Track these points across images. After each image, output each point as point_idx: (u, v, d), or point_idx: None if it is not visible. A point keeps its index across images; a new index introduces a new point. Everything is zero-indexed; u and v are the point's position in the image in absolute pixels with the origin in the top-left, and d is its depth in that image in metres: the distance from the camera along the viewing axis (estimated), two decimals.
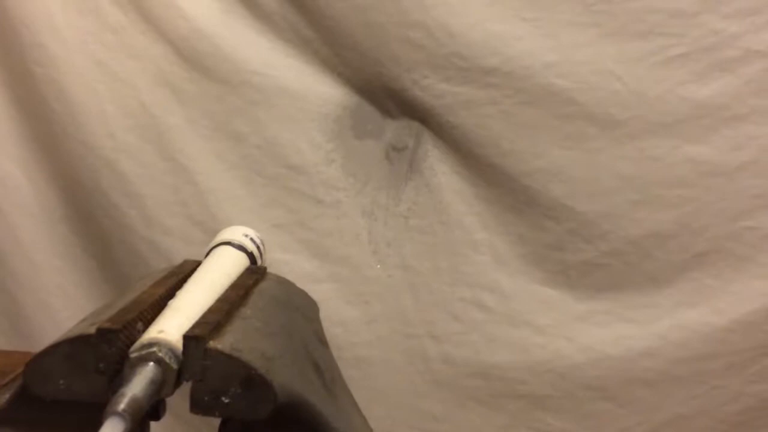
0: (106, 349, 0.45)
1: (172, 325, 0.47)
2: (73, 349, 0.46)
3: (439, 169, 0.87)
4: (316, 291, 0.86)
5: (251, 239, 0.67)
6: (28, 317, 0.88)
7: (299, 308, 0.63)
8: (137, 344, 0.46)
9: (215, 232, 0.87)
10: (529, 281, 0.87)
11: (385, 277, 0.88)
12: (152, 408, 0.45)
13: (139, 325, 0.49)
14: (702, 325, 0.85)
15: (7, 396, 0.48)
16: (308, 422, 0.50)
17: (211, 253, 0.64)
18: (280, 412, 0.47)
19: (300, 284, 0.88)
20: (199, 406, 0.46)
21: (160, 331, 0.46)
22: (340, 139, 0.88)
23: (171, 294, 0.54)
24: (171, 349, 0.45)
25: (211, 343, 0.46)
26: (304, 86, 0.86)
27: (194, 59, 0.86)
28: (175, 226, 0.88)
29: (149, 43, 0.86)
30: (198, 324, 0.48)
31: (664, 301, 0.86)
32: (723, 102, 0.83)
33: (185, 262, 0.63)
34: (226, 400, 0.46)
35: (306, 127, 0.87)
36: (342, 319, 0.89)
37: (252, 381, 0.45)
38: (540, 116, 0.84)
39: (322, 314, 0.87)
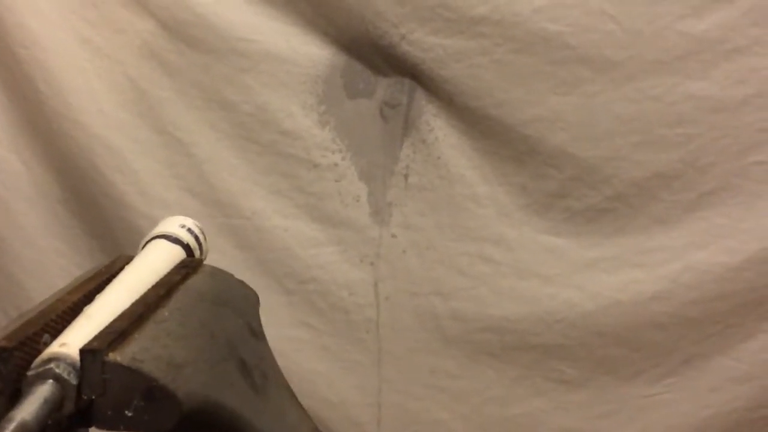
0: (2, 368, 0.53)
1: (76, 337, 0.56)
2: None
3: (435, 124, 1.12)
4: (318, 255, 1.14)
5: (188, 229, 0.80)
6: (35, 301, 1.15)
7: (230, 301, 0.75)
8: (37, 360, 0.54)
9: (214, 203, 1.15)
10: (534, 231, 1.12)
11: (387, 236, 1.15)
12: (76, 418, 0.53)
13: (45, 337, 0.57)
14: (713, 265, 1.10)
15: None
16: (226, 426, 0.61)
17: (143, 249, 0.76)
18: (194, 420, 0.56)
19: (302, 249, 1.15)
20: (102, 421, 0.54)
21: (62, 344, 0.54)
22: (331, 100, 1.13)
23: (90, 298, 0.63)
24: (71, 364, 0.53)
25: (110, 355, 0.54)
26: (291, 49, 1.11)
27: (178, 30, 1.11)
28: (173, 200, 1.14)
29: (132, 17, 1.11)
30: (100, 334, 0.57)
31: (673, 243, 1.11)
32: (722, 35, 1.06)
33: (118, 259, 0.74)
34: (130, 414, 0.54)
35: (296, 90, 1.12)
36: (347, 281, 1.15)
37: (153, 392, 0.54)
38: (533, 63, 1.07)
39: (327, 278, 1.14)
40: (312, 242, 1.15)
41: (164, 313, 0.63)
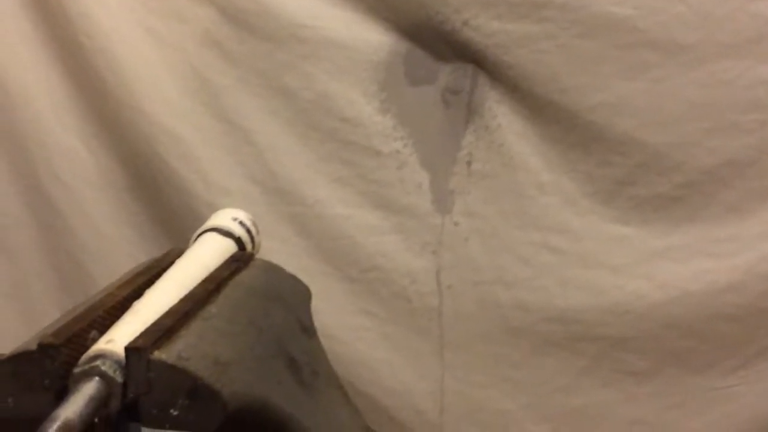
0: (50, 364, 0.56)
1: (123, 334, 0.59)
2: (17, 366, 0.57)
3: (499, 110, 1.18)
4: (380, 243, 1.21)
5: (240, 222, 0.85)
6: (102, 288, 1.26)
7: (281, 297, 0.79)
8: (84, 357, 0.57)
9: (276, 191, 1.23)
10: (601, 220, 1.17)
11: (450, 224, 1.22)
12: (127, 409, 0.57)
13: (93, 333, 0.60)
14: None
15: None
16: (273, 425, 0.63)
17: (194, 242, 0.81)
18: (240, 419, 0.59)
19: (364, 237, 1.23)
20: (147, 419, 0.57)
21: (109, 341, 0.58)
22: (393, 87, 1.20)
23: (140, 293, 0.67)
24: (117, 361, 0.56)
25: (156, 353, 0.56)
26: (352, 35, 1.18)
27: (239, 17, 1.19)
28: (235, 187, 1.23)
29: (194, 5, 1.19)
30: (146, 331, 0.59)
31: (746, 232, 1.15)
32: None
33: (170, 252, 0.79)
34: (175, 413, 0.56)
35: (357, 77, 1.19)
36: (409, 269, 1.22)
37: (198, 391, 0.56)
38: (599, 47, 1.12)
39: (390, 266, 1.22)
40: (374, 230, 1.22)
41: (212, 309, 0.67)
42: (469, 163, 1.20)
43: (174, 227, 1.25)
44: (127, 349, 0.57)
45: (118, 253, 1.26)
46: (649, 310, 1.17)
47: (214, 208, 1.21)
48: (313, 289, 1.22)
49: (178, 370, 0.57)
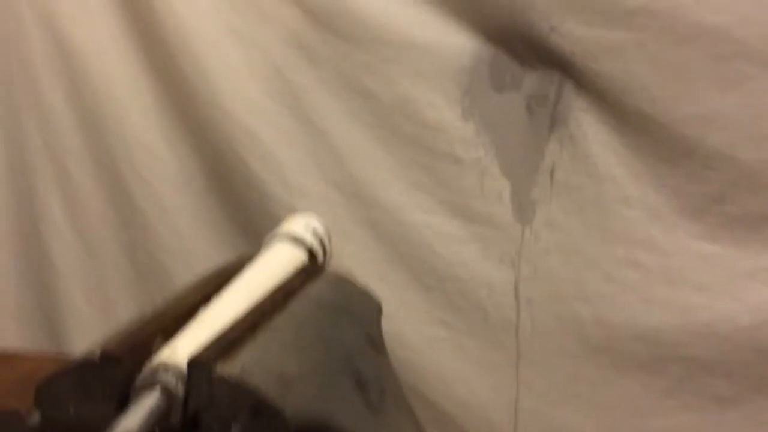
0: (111, 374, 0.57)
1: (187, 344, 0.59)
2: (79, 375, 0.58)
3: (584, 119, 1.19)
4: (459, 252, 1.24)
5: (313, 231, 0.86)
6: (180, 287, 1.32)
7: (351, 311, 0.79)
8: (146, 368, 0.58)
9: (355, 195, 1.27)
10: (689, 237, 1.17)
11: (530, 236, 1.23)
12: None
13: (158, 341, 0.61)
14: None
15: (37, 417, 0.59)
16: None
17: (265, 249, 0.82)
18: None
19: (443, 246, 1.25)
20: None
21: (172, 352, 0.58)
22: (476, 92, 1.22)
23: (208, 300, 0.68)
24: (179, 374, 0.57)
25: (218, 367, 0.57)
26: (436, 39, 1.21)
27: (324, 18, 1.23)
28: (313, 190, 1.27)
29: (279, 5, 1.24)
30: (210, 344, 0.60)
31: None
32: None
33: (240, 258, 0.80)
34: (236, 429, 0.56)
35: (440, 81, 1.21)
36: (488, 281, 1.24)
37: (261, 408, 0.56)
38: (693, 57, 1.12)
39: (467, 276, 1.24)
40: (453, 239, 1.25)
41: (279, 321, 0.67)
42: (552, 173, 1.21)
43: (251, 228, 1.30)
44: (190, 362, 0.58)
45: (195, 251, 1.31)
46: (737, 332, 1.16)
47: (292, 210, 1.26)
48: (390, 297, 1.26)
49: (241, 385, 0.57)
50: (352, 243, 1.26)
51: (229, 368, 0.58)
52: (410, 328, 1.25)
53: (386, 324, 1.24)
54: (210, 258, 1.30)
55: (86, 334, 1.34)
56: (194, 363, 0.58)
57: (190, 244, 1.32)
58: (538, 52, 1.18)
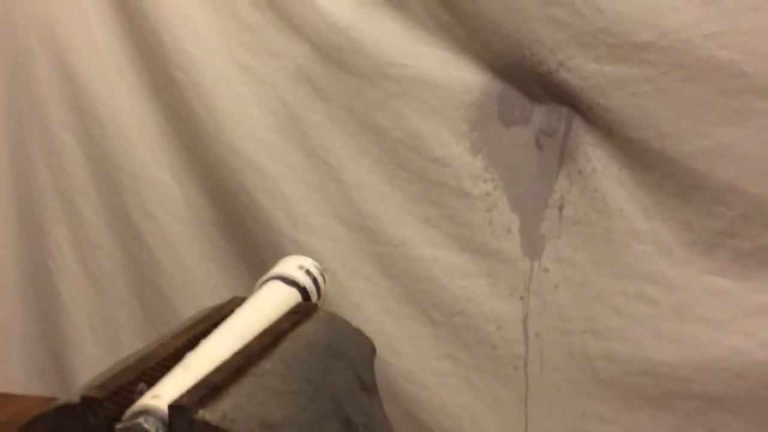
0: (92, 419, 0.57)
1: (170, 389, 0.59)
2: (59, 419, 0.58)
3: (594, 154, 1.18)
4: (467, 287, 1.22)
5: (306, 271, 0.85)
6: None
7: (342, 352, 0.77)
8: (128, 412, 0.57)
9: (362, 229, 1.26)
10: (699, 271, 1.16)
11: (539, 270, 1.22)
12: None
13: (141, 386, 0.61)
14: None
15: None
16: None
17: (257, 291, 0.81)
18: None
19: (450, 280, 1.24)
20: None
21: (154, 397, 0.58)
22: (485, 127, 1.21)
23: (195, 343, 0.68)
24: (161, 419, 0.57)
25: (200, 413, 0.56)
26: (444, 74, 1.20)
27: (332, 54, 1.22)
28: (320, 225, 1.26)
29: (287, 41, 1.23)
30: (192, 388, 0.59)
31: None
32: None
33: (231, 301, 0.80)
34: None
35: (449, 116, 1.20)
36: (496, 315, 1.23)
37: None
38: (703, 92, 1.11)
39: (475, 311, 1.22)
40: (461, 273, 1.23)
41: (266, 365, 0.66)
42: (560, 208, 1.20)
43: (258, 263, 1.28)
44: (171, 407, 0.57)
45: (201, 287, 1.30)
46: (748, 368, 1.15)
47: (298, 246, 1.26)
48: (397, 332, 1.25)
49: (221, 431, 0.57)
50: (359, 278, 1.25)
51: (211, 414, 0.57)
52: (417, 363, 1.24)
53: (393, 359, 1.24)
54: (218, 293, 1.28)
55: (93, 371, 1.32)
56: (175, 408, 0.57)
57: (198, 280, 1.30)
58: (547, 87, 1.18)
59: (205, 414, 0.57)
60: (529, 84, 1.19)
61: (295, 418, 0.64)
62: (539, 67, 1.16)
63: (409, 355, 1.24)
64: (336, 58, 1.22)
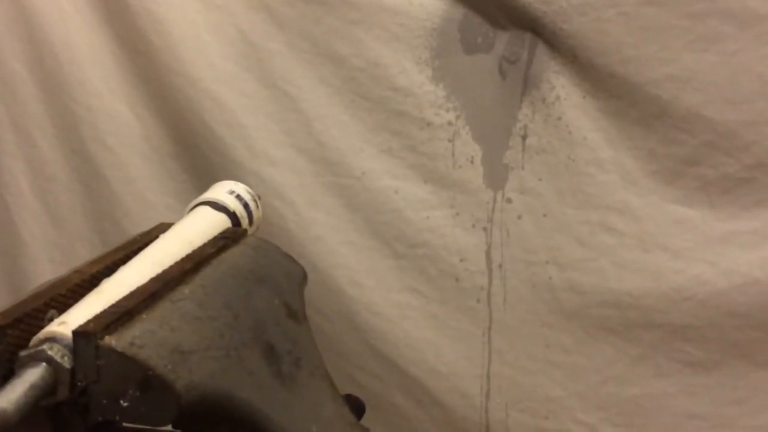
0: None
1: (80, 315, 0.56)
2: None
3: (557, 82, 1.13)
4: (429, 218, 1.19)
5: (237, 196, 0.81)
6: None
7: (269, 278, 0.74)
8: (34, 340, 0.55)
9: (322, 161, 1.21)
10: (663, 200, 1.12)
11: (502, 201, 1.18)
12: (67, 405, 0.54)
13: (51, 313, 0.58)
14: None
15: None
16: (238, 419, 0.60)
17: (183, 217, 0.78)
18: (200, 411, 0.56)
19: (413, 211, 1.20)
20: (97, 410, 0.54)
21: (61, 323, 0.55)
22: (447, 55, 1.16)
23: (113, 270, 0.65)
24: (67, 346, 0.54)
25: (106, 339, 0.53)
26: (406, 0, 1.15)
27: None
28: (281, 157, 1.22)
29: None
30: (100, 314, 0.56)
31: None
32: None
33: (157, 227, 0.76)
34: (125, 404, 0.53)
35: (410, 44, 1.15)
36: (459, 247, 1.19)
37: (150, 382, 0.53)
38: (666, 16, 1.06)
39: (438, 242, 1.19)
40: (423, 204, 1.20)
41: (184, 290, 0.63)
42: (524, 137, 1.16)
43: None
44: (75, 333, 0.54)
45: (161, 220, 1.25)
46: (711, 297, 1.12)
47: (258, 178, 1.22)
48: (359, 264, 1.22)
49: (128, 358, 0.54)
50: (321, 210, 1.21)
51: (117, 340, 0.54)
52: (380, 295, 1.21)
53: (355, 291, 1.21)
54: None
55: None
56: (80, 334, 0.54)
57: (158, 214, 1.26)
58: (510, 12, 1.13)
59: (112, 340, 0.54)
60: (492, 9, 1.14)
61: (211, 344, 0.60)
62: None
63: (371, 287, 1.21)
64: None
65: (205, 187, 1.25)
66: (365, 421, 1.18)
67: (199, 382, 0.56)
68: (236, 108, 1.21)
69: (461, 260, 1.19)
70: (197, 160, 1.24)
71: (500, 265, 1.19)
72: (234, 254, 0.73)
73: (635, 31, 1.08)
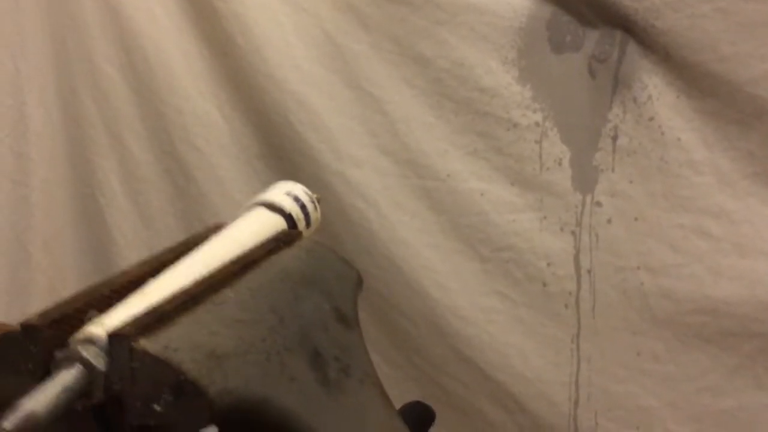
0: (32, 348, 0.54)
1: (119, 317, 0.55)
2: (2, 348, 0.56)
3: (649, 81, 1.11)
4: (516, 221, 1.18)
5: (294, 197, 0.79)
6: None
7: (320, 281, 0.72)
8: (71, 340, 0.54)
9: (407, 163, 1.22)
10: (761, 203, 1.09)
11: (591, 204, 1.17)
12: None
13: (91, 313, 0.57)
14: None
15: None
16: (275, 427, 0.58)
17: (238, 218, 0.77)
18: (237, 418, 0.55)
19: (499, 214, 1.20)
20: (132, 413, 0.53)
21: (100, 324, 0.54)
22: (534, 54, 1.15)
23: (160, 271, 0.63)
24: (104, 347, 0.53)
25: (141, 342, 0.53)
26: None
27: None
28: (365, 158, 1.23)
29: None
30: (140, 316, 0.56)
31: None
32: None
33: (211, 227, 0.74)
34: (159, 408, 0.53)
35: (496, 44, 1.15)
36: (546, 250, 1.19)
37: (183, 387, 0.52)
38: (765, 11, 1.04)
39: (525, 246, 1.18)
40: (509, 207, 1.19)
41: (229, 293, 0.62)
42: (614, 138, 1.15)
43: None
44: (110, 335, 0.54)
45: None
46: None
47: (343, 179, 1.23)
48: (444, 268, 1.22)
49: (161, 361, 0.53)
50: (406, 212, 1.22)
51: (151, 343, 0.54)
52: (465, 299, 1.21)
53: (440, 294, 1.21)
54: None
55: None
56: (114, 336, 0.54)
57: None
58: (599, 9, 1.11)
59: (146, 343, 0.53)
60: (581, 7, 1.13)
61: (251, 348, 0.59)
62: None
63: (456, 290, 1.22)
64: None
65: None
66: (447, 425, 1.19)
67: (234, 388, 0.55)
68: (321, 109, 1.22)
69: (548, 264, 1.19)
70: (283, 161, 1.27)
71: (589, 270, 1.18)
72: (285, 257, 0.72)
73: (733, 27, 1.05)
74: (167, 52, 1.29)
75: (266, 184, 1.27)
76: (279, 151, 1.26)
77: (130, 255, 1.36)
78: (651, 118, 1.12)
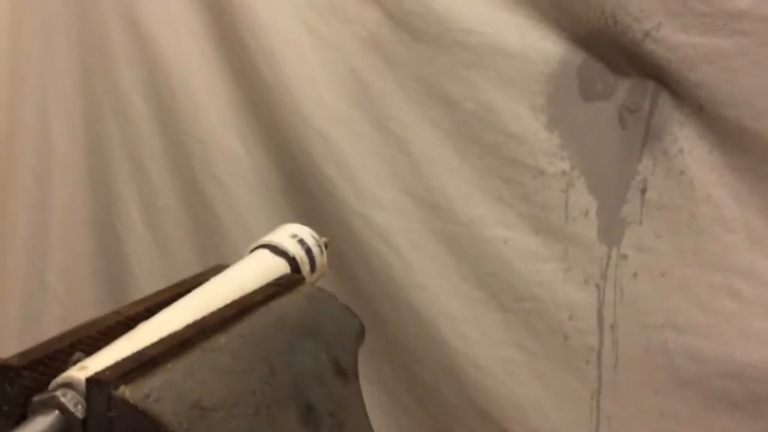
0: (9, 389, 0.53)
1: (104, 360, 0.53)
2: None
3: (681, 133, 1.09)
4: (539, 271, 1.16)
5: (299, 240, 0.78)
6: None
7: (318, 331, 0.70)
8: (52, 384, 0.53)
9: (430, 206, 1.20)
10: None
11: (617, 257, 1.14)
12: None
13: (77, 355, 0.56)
14: None
15: None
16: None
17: (241, 260, 0.75)
18: None
19: (522, 263, 1.17)
20: None
21: (82, 368, 0.53)
22: (564, 101, 1.13)
23: (153, 313, 0.62)
24: (83, 393, 0.52)
25: (120, 389, 0.51)
26: (522, 44, 1.12)
27: (404, 20, 1.16)
28: (388, 199, 1.21)
29: (359, 6, 1.18)
30: (124, 361, 0.54)
31: None
32: None
33: (212, 269, 0.73)
34: None
35: (526, 89, 1.13)
36: (569, 303, 1.16)
37: None
38: None
39: (547, 297, 1.16)
40: (533, 256, 1.17)
41: (221, 339, 0.60)
42: (643, 191, 1.12)
43: (324, 234, 1.25)
44: (88, 380, 0.52)
45: None
46: None
47: (364, 220, 1.22)
48: (463, 315, 1.20)
49: (140, 411, 0.51)
50: (426, 256, 1.20)
51: (131, 392, 0.52)
52: (484, 349, 1.18)
53: (458, 343, 1.19)
54: None
55: None
56: (93, 382, 0.52)
57: None
58: (632, 58, 1.09)
59: (126, 391, 0.51)
60: (613, 55, 1.10)
61: (238, 401, 0.57)
62: (623, 36, 1.08)
63: (475, 340, 1.19)
64: (408, 25, 1.17)
65: (310, 224, 1.27)
66: None
67: None
68: (345, 147, 1.21)
69: (570, 318, 1.16)
70: (304, 198, 1.26)
71: (612, 325, 1.15)
72: (283, 303, 0.69)
73: None
74: (193, 83, 1.29)
75: (286, 220, 1.27)
76: (301, 186, 1.25)
77: (146, 286, 1.35)
78: (682, 172, 1.09)
